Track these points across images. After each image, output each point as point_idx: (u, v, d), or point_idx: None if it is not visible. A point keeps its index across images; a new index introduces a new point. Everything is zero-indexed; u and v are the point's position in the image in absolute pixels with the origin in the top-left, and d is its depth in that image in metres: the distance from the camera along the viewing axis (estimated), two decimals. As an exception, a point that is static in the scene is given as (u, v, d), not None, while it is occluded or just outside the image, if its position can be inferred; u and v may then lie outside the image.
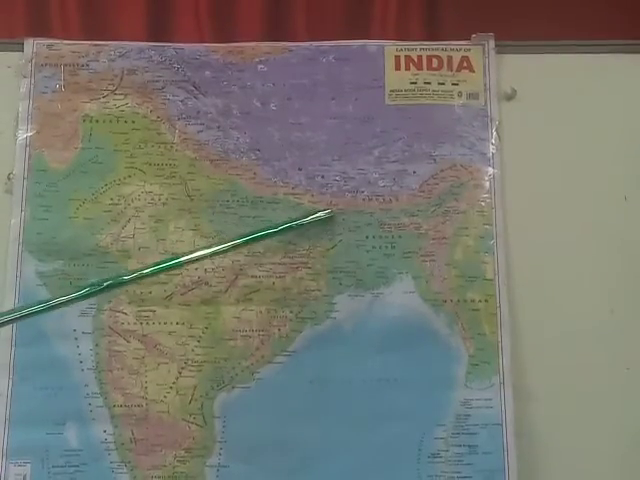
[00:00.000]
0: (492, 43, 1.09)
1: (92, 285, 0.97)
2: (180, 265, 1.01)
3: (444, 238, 1.05)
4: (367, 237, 1.05)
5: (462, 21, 1.22)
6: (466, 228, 1.05)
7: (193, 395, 1.02)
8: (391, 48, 1.10)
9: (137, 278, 0.99)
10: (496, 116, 1.08)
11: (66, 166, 1.06)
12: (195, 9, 1.25)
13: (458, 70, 1.09)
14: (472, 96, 1.09)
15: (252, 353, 1.02)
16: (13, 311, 0.96)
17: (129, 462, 1.00)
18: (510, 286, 1.04)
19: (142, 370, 1.02)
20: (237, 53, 1.09)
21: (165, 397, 1.01)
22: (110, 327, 1.03)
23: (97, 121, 1.07)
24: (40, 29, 1.21)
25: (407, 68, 1.09)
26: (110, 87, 1.08)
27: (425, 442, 1.01)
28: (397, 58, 1.09)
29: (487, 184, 1.06)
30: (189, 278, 1.04)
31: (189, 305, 1.03)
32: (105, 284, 0.97)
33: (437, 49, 1.10)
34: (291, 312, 1.03)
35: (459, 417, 1.01)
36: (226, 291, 1.03)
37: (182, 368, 1.02)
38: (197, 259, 1.01)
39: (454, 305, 1.03)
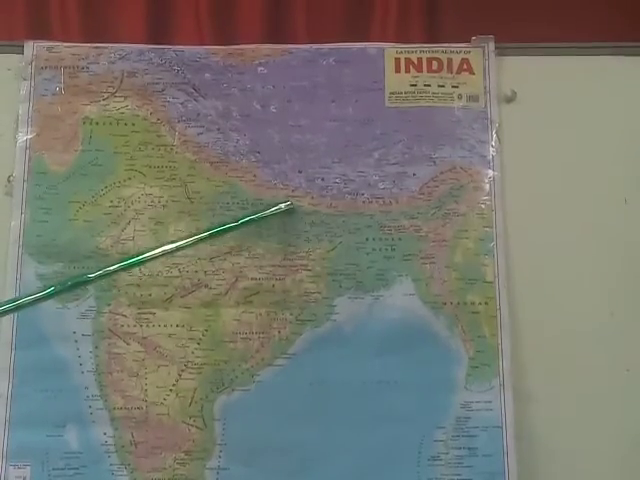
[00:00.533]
0: (492, 45, 1.09)
1: (57, 284, 0.97)
2: (144, 262, 1.01)
3: (444, 240, 1.05)
4: (367, 239, 1.05)
5: (462, 23, 1.22)
6: (466, 230, 1.05)
7: (193, 397, 1.01)
8: (391, 50, 1.10)
9: (101, 276, 0.99)
10: (496, 118, 1.08)
11: (66, 168, 1.06)
12: (195, 11, 1.25)
13: (458, 72, 1.09)
14: (472, 98, 1.08)
15: (252, 355, 1.02)
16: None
17: (129, 464, 1.00)
18: (510, 289, 1.04)
19: (142, 372, 1.02)
20: (237, 55, 1.09)
21: (165, 399, 1.01)
22: (110, 329, 1.02)
23: (97, 123, 1.07)
24: (40, 31, 1.21)
25: (407, 70, 1.09)
26: (110, 89, 1.08)
27: (425, 445, 1.01)
28: (397, 60, 1.09)
29: (487, 186, 1.06)
30: (189, 280, 1.03)
31: (189, 307, 1.03)
32: (69, 283, 0.98)
33: (437, 51, 1.10)
34: (291, 314, 1.03)
35: (459, 419, 1.01)
36: (226, 293, 1.03)
37: (182, 370, 1.02)
38: (162, 254, 1.01)
39: (454, 307, 1.03)
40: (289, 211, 1.04)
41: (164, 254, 1.03)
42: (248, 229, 1.04)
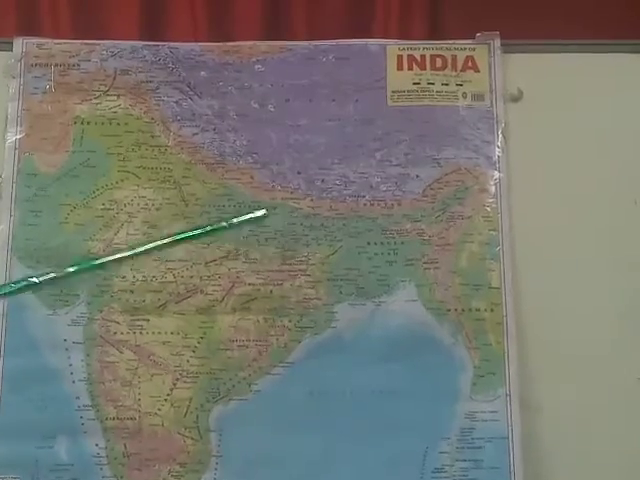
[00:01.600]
0: (498, 42, 1.08)
1: (4, 285, 0.98)
2: (101, 266, 1.00)
3: (448, 244, 1.04)
4: (368, 243, 1.04)
5: (466, 19, 1.24)
6: (471, 234, 1.04)
7: (188, 407, 1.00)
8: (393, 47, 1.09)
9: (50, 280, 0.98)
10: (502, 118, 1.07)
11: (56, 170, 1.05)
12: (191, 7, 1.27)
13: (463, 70, 1.08)
14: (477, 97, 1.07)
15: (249, 364, 1.01)
16: None
17: (122, 477, 0.99)
18: (517, 294, 1.03)
19: (135, 381, 1.00)
20: (234, 53, 1.08)
21: (159, 409, 1.00)
22: (102, 337, 1.01)
23: (89, 123, 1.06)
24: (30, 27, 1.22)
25: (410, 68, 1.08)
26: (102, 88, 1.07)
27: (429, 456, 0.99)
28: (399, 58, 1.08)
29: (493, 188, 1.05)
30: (184, 286, 1.02)
31: (184, 314, 1.02)
32: (18, 285, 0.99)
33: (441, 48, 1.09)
34: (290, 321, 1.02)
35: (464, 430, 1.00)
36: (222, 299, 1.02)
37: (177, 379, 1.00)
38: (121, 258, 1.00)
39: (458, 314, 1.02)
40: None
41: (120, 258, 1.01)
42: (243, 231, 1.03)
